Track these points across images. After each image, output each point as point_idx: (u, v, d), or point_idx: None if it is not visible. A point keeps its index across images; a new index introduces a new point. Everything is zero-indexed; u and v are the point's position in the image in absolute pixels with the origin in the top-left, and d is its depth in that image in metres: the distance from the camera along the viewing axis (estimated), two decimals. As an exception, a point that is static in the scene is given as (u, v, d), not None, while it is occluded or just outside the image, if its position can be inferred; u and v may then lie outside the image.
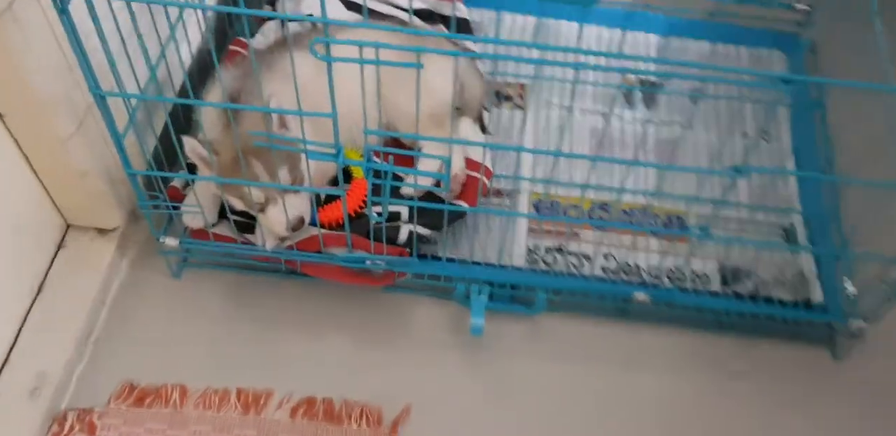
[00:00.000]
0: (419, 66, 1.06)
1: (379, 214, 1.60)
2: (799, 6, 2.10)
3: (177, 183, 1.62)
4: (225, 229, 1.59)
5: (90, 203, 1.61)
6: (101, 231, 1.68)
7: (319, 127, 1.47)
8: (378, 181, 1.35)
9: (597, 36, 2.11)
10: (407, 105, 1.48)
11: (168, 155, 1.55)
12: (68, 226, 1.68)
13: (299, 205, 1.48)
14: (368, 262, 1.54)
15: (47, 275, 1.61)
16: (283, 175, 1.44)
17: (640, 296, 1.59)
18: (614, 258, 1.70)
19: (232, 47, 1.84)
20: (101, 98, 1.21)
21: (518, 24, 2.11)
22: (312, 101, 1.37)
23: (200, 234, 1.58)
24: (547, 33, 2.10)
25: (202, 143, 1.43)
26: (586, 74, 2.00)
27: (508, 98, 1.96)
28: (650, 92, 2.01)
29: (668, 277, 1.67)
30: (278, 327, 1.63)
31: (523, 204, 1.78)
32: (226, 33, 1.94)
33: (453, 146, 1.63)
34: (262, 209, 1.48)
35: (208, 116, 1.55)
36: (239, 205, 1.51)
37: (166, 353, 1.58)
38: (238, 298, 1.68)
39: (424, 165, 1.67)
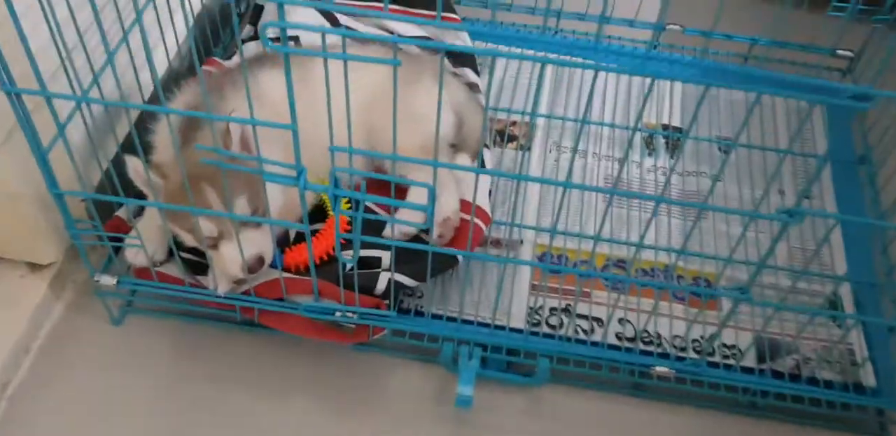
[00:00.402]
0: (396, 62, 0.84)
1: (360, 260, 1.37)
2: (841, 52, 1.90)
3: (122, 213, 1.40)
4: (173, 269, 1.36)
5: (21, 232, 1.39)
6: (34, 266, 1.45)
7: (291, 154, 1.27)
8: (349, 214, 1.12)
9: (615, 78, 1.90)
10: (403, 137, 1.29)
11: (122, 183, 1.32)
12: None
13: (259, 242, 1.25)
14: (338, 314, 1.30)
15: (-40, 315, 1.37)
16: (241, 205, 1.22)
17: (661, 369, 1.33)
18: (631, 324, 1.45)
19: (204, 67, 1.64)
20: (14, 96, 0.99)
21: (526, 63, 1.92)
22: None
23: (144, 273, 1.35)
24: (560, 74, 1.91)
25: (150, 165, 1.21)
26: (602, 116, 1.80)
27: (513, 138, 1.75)
28: (674, 138, 1.80)
29: (695, 350, 1.41)
30: (232, 389, 1.38)
31: (526, 257, 1.54)
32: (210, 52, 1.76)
33: (446, 184, 1.42)
34: (215, 245, 1.25)
35: (161, 136, 1.34)
36: (188, 240, 1.28)
37: (95, 420, 1.33)
38: (187, 351, 1.43)
39: (413, 200, 1.44)
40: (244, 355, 1.43)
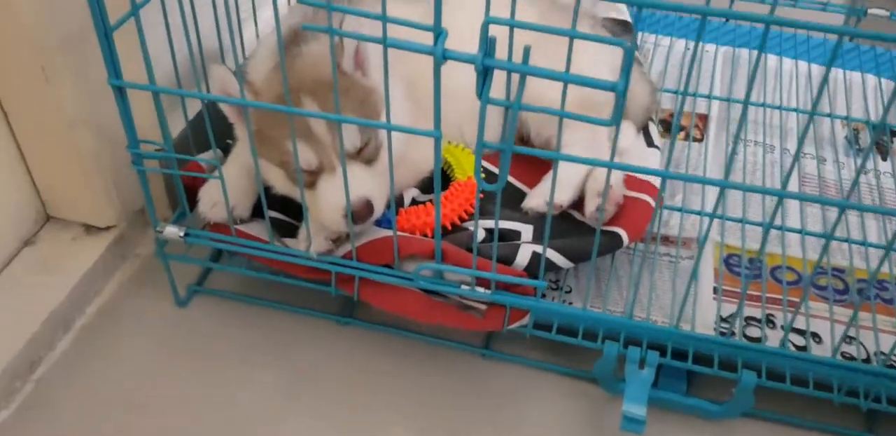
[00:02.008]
0: None
1: (490, 233, 1.07)
2: None
3: (204, 156, 1.12)
4: (257, 229, 1.07)
5: (79, 184, 1.14)
6: (90, 229, 1.20)
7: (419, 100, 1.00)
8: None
9: (806, 73, 1.58)
10: (549, 89, 1.02)
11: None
12: (48, 217, 1.20)
13: (368, 182, 0.96)
14: (465, 287, 0.97)
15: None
16: (352, 135, 0.93)
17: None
18: (863, 346, 1.06)
19: None
20: None
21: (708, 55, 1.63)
22: (415, 69, 0.97)
23: (220, 229, 1.06)
24: (737, 66, 1.60)
25: (237, 75, 0.95)
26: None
27: (681, 129, 1.43)
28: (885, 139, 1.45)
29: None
30: (310, 406, 1.07)
31: (707, 258, 1.19)
32: None
33: (604, 151, 1.13)
34: (312, 184, 0.96)
35: (254, 60, 1.09)
36: (279, 181, 1.01)
37: (131, 419, 1.03)
38: (261, 345, 1.13)
39: (563, 169, 1.13)
40: (331, 356, 1.12)
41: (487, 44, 0.73)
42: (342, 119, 0.85)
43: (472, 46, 0.73)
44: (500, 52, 0.74)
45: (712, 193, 1.30)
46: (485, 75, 0.75)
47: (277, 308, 1.16)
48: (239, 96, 0.92)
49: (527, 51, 0.73)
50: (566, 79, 0.74)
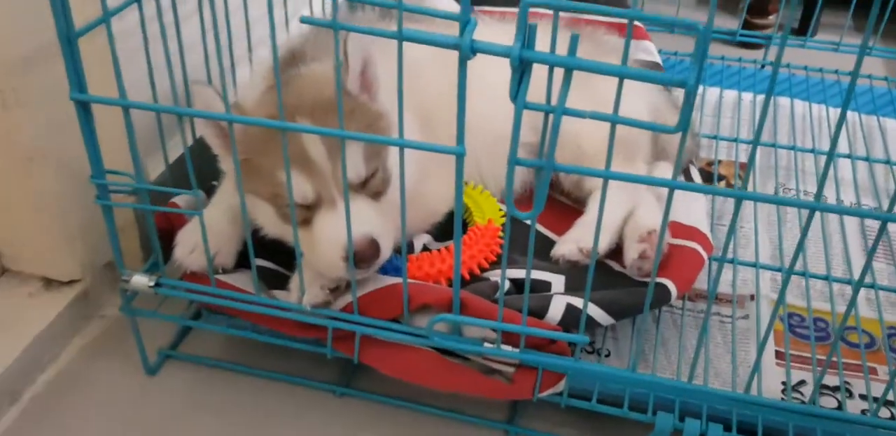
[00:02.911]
0: None
1: (514, 284, 0.92)
2: None
3: (179, 200, 0.99)
4: (241, 281, 0.92)
5: (38, 230, 1.00)
6: (51, 284, 1.05)
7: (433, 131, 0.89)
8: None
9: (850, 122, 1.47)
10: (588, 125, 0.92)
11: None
12: (3, 269, 1.06)
13: (372, 219, 0.82)
14: (488, 344, 0.81)
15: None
16: (357, 163, 0.80)
17: None
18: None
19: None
20: None
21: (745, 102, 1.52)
22: (429, 98, 0.93)
23: (199, 280, 0.91)
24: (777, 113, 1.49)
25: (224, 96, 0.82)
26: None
27: (721, 178, 1.31)
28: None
29: None
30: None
31: (765, 318, 1.04)
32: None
33: (643, 196, 1.00)
34: (307, 220, 0.82)
35: (249, 85, 0.98)
36: (269, 220, 0.87)
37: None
38: (246, 416, 0.96)
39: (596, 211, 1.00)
40: (326, 434, 0.94)
41: (526, 31, 0.60)
42: (345, 135, 0.71)
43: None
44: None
45: (764, 247, 1.16)
46: (521, 72, 0.62)
47: (263, 377, 1.00)
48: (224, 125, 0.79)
49: (574, 39, 0.60)
50: (615, 120, 0.62)
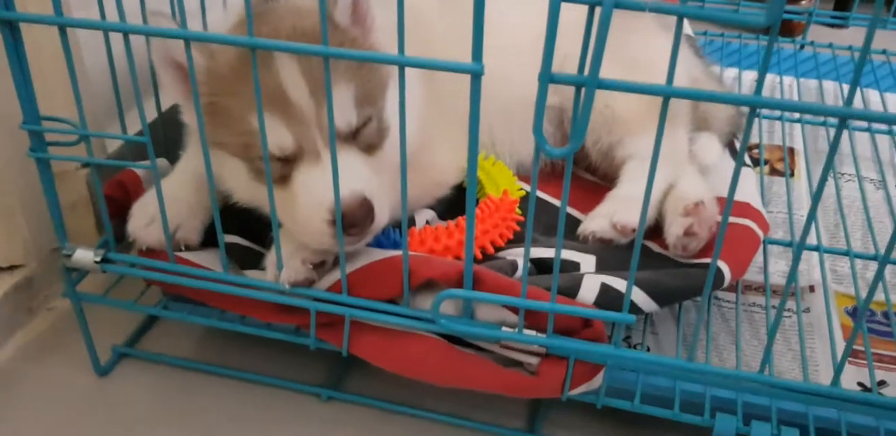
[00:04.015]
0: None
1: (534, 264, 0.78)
2: None
3: (140, 172, 0.84)
4: (209, 261, 0.78)
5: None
6: (-11, 268, 0.90)
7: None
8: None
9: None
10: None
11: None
12: (-67, 253, 0.92)
13: (364, 175, 0.68)
14: (506, 328, 0.67)
15: None
16: (346, 108, 0.67)
17: None
18: None
19: None
20: None
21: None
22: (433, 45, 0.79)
23: (158, 257, 0.77)
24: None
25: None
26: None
27: (765, 163, 1.17)
28: None
29: None
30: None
31: (831, 311, 0.90)
32: None
33: (681, 166, 0.87)
34: (285, 178, 0.68)
35: (217, 24, 0.84)
36: (240, 182, 0.74)
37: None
38: (213, 424, 0.81)
39: (634, 185, 0.87)
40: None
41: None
42: (330, 52, 0.57)
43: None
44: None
45: (823, 228, 1.02)
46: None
47: (235, 378, 0.85)
48: (184, 59, 0.65)
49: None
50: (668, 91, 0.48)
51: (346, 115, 0.69)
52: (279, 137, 0.68)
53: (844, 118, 0.52)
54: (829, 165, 0.55)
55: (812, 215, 0.58)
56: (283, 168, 0.69)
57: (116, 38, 0.75)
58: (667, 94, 0.54)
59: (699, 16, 0.51)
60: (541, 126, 0.54)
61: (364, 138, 0.71)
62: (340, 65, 0.69)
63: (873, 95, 1.33)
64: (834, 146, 0.54)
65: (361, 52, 0.68)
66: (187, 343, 0.89)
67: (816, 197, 0.58)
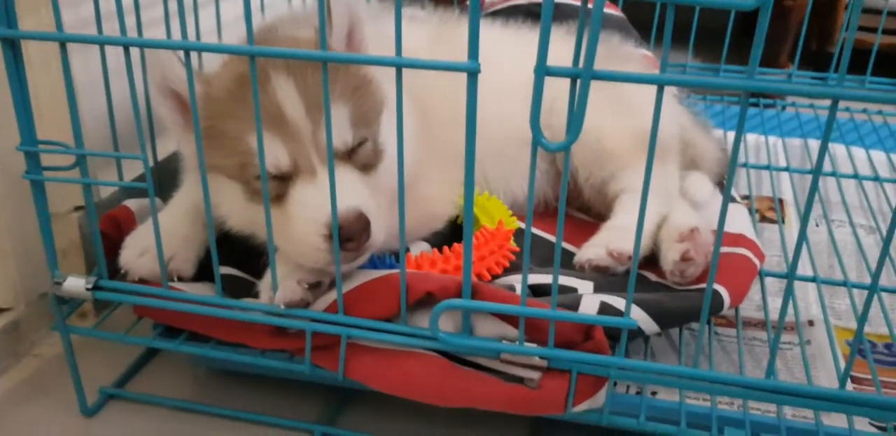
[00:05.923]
0: None
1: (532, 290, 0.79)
2: None
3: (132, 204, 0.86)
4: (202, 291, 0.78)
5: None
6: (-26, 312, 0.90)
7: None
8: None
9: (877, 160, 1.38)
10: (609, 124, 0.93)
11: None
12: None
13: (360, 192, 0.70)
14: (506, 342, 0.67)
15: None
16: (343, 128, 0.70)
17: None
18: None
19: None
20: None
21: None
22: (429, 92, 0.85)
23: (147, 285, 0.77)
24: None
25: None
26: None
27: (756, 211, 1.20)
28: None
29: None
30: None
31: (823, 342, 0.90)
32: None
33: (673, 199, 0.91)
34: (281, 196, 0.70)
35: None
36: (235, 206, 0.75)
37: None
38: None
39: (629, 215, 0.89)
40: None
41: None
42: (329, 57, 0.60)
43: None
44: None
45: (819, 268, 1.03)
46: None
47: (227, 416, 0.83)
48: (185, 86, 0.68)
49: None
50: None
51: (342, 134, 0.71)
52: (276, 155, 0.70)
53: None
54: (815, 185, 0.57)
55: (802, 233, 0.60)
56: (278, 187, 0.71)
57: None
58: (660, 82, 0.56)
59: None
60: (537, 119, 0.56)
61: (360, 158, 0.73)
62: (336, 87, 0.71)
63: (857, 151, 1.38)
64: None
65: (358, 55, 0.71)
66: (176, 384, 0.88)
67: (805, 218, 0.60)
